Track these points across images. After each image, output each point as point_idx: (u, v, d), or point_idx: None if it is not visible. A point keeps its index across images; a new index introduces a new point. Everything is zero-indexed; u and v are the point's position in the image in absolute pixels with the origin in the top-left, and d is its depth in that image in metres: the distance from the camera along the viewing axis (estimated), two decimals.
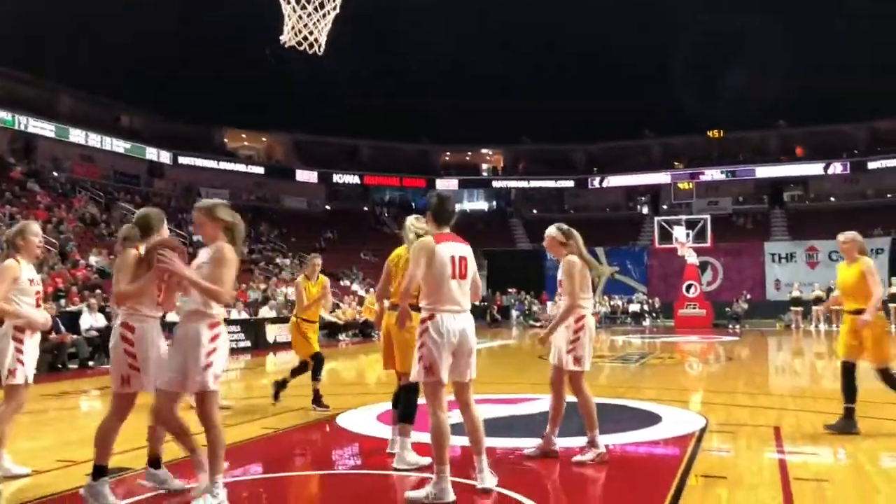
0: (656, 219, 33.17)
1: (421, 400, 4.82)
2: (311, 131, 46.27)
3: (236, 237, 4.23)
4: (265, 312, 20.96)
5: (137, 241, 4.47)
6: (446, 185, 47.16)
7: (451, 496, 4.26)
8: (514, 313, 32.52)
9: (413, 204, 46.68)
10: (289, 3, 8.47)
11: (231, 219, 4.24)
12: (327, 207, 46.98)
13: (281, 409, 7.90)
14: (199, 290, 4.04)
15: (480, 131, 46.75)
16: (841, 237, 6.64)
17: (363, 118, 44.12)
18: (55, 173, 32.91)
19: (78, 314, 14.46)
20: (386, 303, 5.65)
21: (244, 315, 19.51)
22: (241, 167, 44.41)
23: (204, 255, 4.21)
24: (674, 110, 42.88)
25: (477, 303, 5.14)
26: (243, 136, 47.35)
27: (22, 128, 33.15)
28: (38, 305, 5.13)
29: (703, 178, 45.34)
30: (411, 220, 5.42)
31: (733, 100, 41.95)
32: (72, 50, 37.95)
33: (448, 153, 51.36)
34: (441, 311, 4.42)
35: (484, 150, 51.72)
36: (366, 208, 48.13)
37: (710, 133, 46.64)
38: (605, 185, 47.61)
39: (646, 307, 32.60)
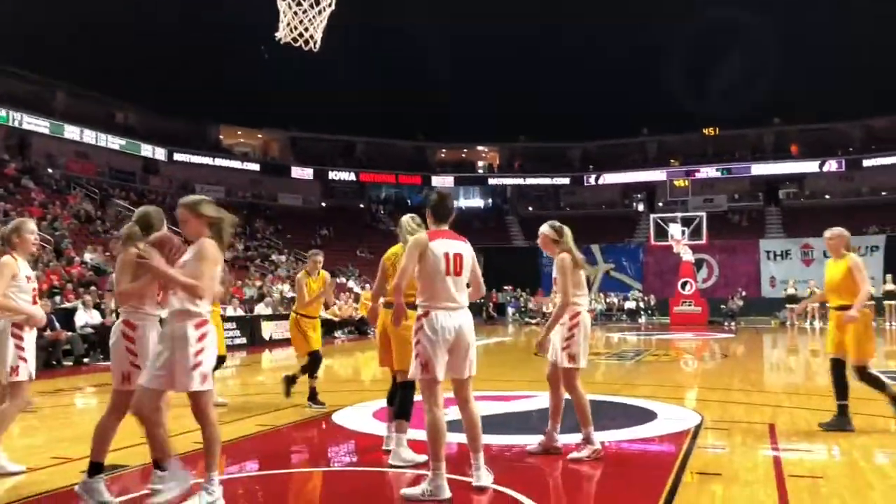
0: (652, 216, 33.16)
1: (418, 397, 4.83)
2: (307, 128, 46.20)
3: (223, 234, 4.19)
4: (261, 309, 20.98)
5: (139, 239, 4.45)
6: (442, 182, 47.11)
7: (447, 493, 4.27)
8: (510, 310, 32.54)
9: (409, 201, 46.69)
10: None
11: (216, 214, 4.18)
12: (323, 204, 46.84)
13: (276, 406, 7.90)
14: (176, 284, 4.02)
15: (476, 129, 46.77)
16: (827, 233, 6.61)
17: (359, 115, 44.06)
18: (50, 170, 32.81)
19: (73, 311, 14.45)
20: (381, 300, 5.66)
21: (240, 312, 19.49)
22: (236, 164, 44.32)
23: (189, 251, 4.19)
24: (669, 108, 42.97)
25: (477, 300, 5.13)
26: (239, 132, 47.22)
27: (16, 124, 33.10)
28: (34, 302, 5.13)
29: (698, 175, 45.38)
30: (407, 219, 5.44)
31: (729, 98, 42.06)
32: (66, 47, 37.85)
33: (444, 150, 51.29)
34: (436, 309, 4.43)
35: (480, 148, 51.70)
36: (361, 205, 48.02)
37: (705, 131, 46.77)
38: (600, 182, 47.60)
39: (641, 304, 32.62)
